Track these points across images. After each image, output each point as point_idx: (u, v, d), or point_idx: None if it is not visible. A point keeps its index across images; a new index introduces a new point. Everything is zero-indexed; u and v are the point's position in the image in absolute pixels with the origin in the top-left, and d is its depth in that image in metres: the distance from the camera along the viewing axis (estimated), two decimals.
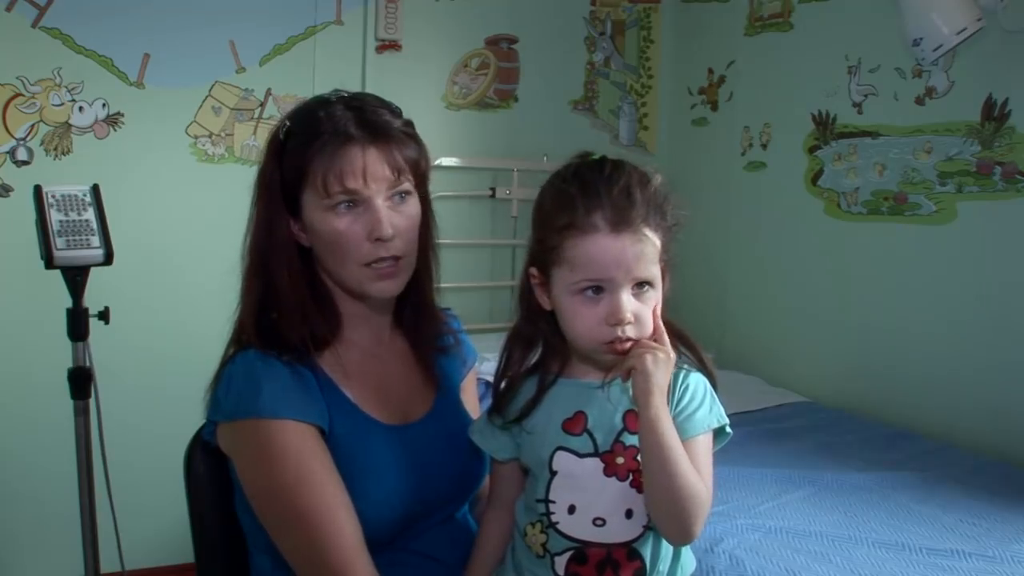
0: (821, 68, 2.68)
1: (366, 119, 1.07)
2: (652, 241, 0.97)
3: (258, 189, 1.13)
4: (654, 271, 0.98)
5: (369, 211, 1.07)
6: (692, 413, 1.00)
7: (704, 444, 1.00)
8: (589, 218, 0.96)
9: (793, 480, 1.86)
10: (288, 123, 1.10)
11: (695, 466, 0.96)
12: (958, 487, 1.83)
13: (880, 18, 2.42)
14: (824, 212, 2.68)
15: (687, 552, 1.06)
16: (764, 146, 2.94)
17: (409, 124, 1.13)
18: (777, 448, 2.11)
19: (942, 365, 2.30)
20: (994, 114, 2.16)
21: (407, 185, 1.10)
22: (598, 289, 0.97)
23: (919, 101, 2.36)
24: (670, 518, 0.95)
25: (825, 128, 2.68)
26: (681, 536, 0.97)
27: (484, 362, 2.09)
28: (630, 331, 0.97)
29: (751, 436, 2.19)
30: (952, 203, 2.28)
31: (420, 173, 1.13)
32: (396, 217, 1.08)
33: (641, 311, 0.98)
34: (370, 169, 1.06)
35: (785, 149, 2.84)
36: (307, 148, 1.06)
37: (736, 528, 1.58)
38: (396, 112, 1.13)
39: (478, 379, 1.44)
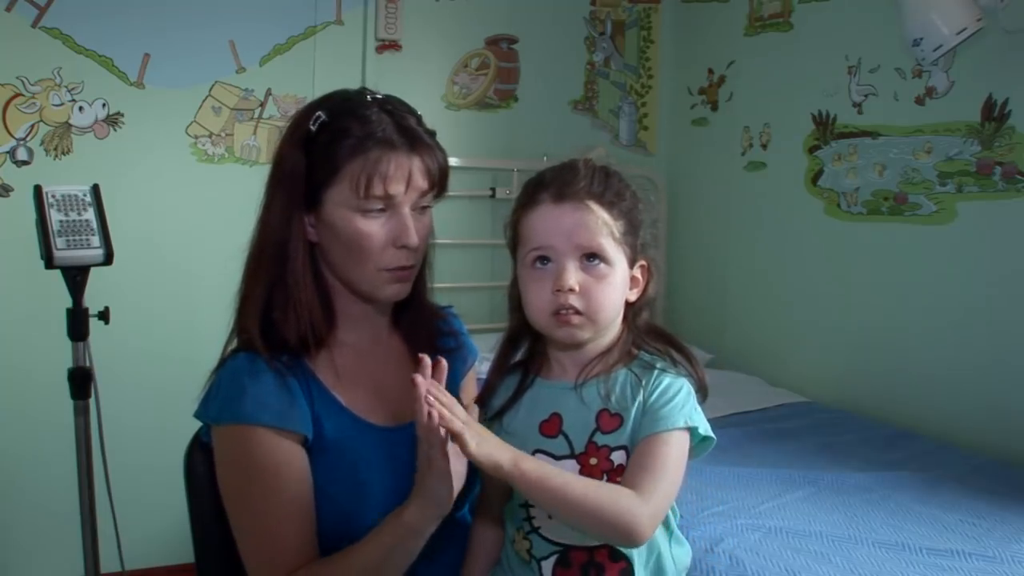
0: (821, 68, 2.68)
1: (402, 125, 1.07)
2: (598, 213, 0.99)
3: (277, 176, 1.11)
4: (602, 243, 0.98)
5: (396, 218, 1.08)
6: (658, 409, 0.97)
7: (668, 443, 0.96)
8: (536, 195, 1.02)
9: (793, 480, 1.86)
10: (321, 115, 1.08)
11: (649, 463, 0.94)
12: (958, 487, 1.83)
13: (880, 18, 2.42)
14: (824, 212, 2.68)
15: (677, 544, 1.06)
16: (764, 146, 2.94)
17: (433, 134, 1.13)
18: (777, 448, 2.11)
19: (942, 365, 2.29)
20: (994, 114, 2.16)
21: (431, 197, 1.12)
22: (545, 260, 0.99)
23: (919, 101, 2.36)
24: (598, 537, 0.97)
25: (825, 128, 2.68)
26: (625, 543, 0.97)
27: (484, 362, 2.09)
28: (573, 300, 0.97)
29: (751, 436, 2.19)
30: (952, 203, 2.28)
31: (444, 185, 1.14)
32: (418, 225, 1.10)
33: (590, 285, 0.98)
34: (413, 178, 1.07)
35: (785, 149, 2.84)
36: (342, 146, 1.05)
37: (736, 528, 1.58)
38: (419, 119, 1.12)
39: (477, 378, 1.44)
